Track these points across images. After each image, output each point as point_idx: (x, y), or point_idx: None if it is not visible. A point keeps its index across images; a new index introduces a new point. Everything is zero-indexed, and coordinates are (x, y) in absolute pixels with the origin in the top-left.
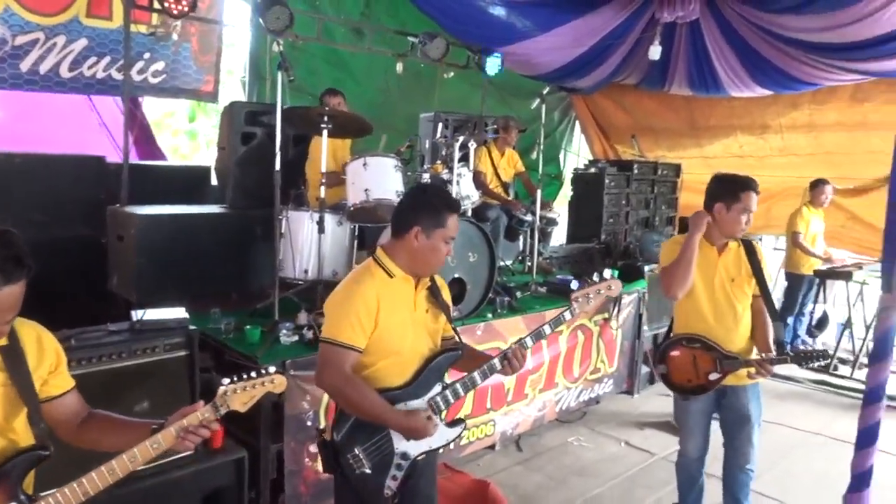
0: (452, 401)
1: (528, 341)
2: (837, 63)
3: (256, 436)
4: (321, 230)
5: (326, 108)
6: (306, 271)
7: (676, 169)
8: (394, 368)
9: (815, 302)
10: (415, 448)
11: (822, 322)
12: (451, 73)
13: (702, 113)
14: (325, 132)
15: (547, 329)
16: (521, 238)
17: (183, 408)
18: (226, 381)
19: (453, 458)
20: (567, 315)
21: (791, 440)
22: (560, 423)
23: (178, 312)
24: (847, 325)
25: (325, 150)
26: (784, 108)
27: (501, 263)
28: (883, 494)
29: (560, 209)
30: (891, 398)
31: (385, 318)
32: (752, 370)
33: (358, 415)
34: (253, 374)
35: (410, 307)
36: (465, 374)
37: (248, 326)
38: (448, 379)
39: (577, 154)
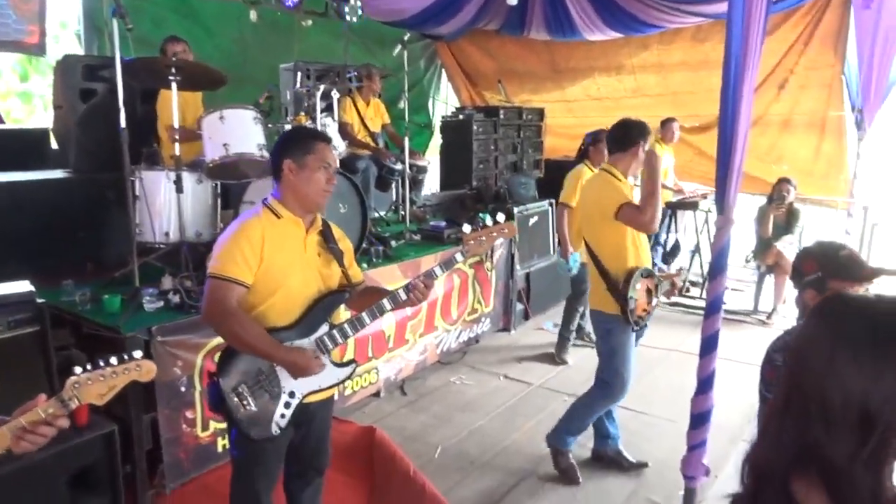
0: (341, 341)
1: (437, 271)
2: (678, 6)
3: (127, 407)
4: (179, 189)
5: (173, 59)
6: (167, 234)
7: (540, 113)
8: (280, 308)
9: (668, 231)
10: (303, 386)
11: (675, 249)
12: (310, 22)
13: (562, 56)
14: (174, 85)
15: (438, 270)
16: (392, 188)
17: (26, 403)
18: (78, 369)
19: (339, 409)
20: (458, 256)
21: (651, 358)
22: (442, 365)
23: (22, 286)
24: (696, 250)
25: (175, 104)
26: (635, 49)
27: (375, 214)
28: (725, 396)
29: (432, 158)
30: (730, 312)
31: (270, 256)
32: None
33: (243, 349)
34: (113, 360)
35: (300, 248)
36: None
37: (106, 296)
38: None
39: (445, 102)
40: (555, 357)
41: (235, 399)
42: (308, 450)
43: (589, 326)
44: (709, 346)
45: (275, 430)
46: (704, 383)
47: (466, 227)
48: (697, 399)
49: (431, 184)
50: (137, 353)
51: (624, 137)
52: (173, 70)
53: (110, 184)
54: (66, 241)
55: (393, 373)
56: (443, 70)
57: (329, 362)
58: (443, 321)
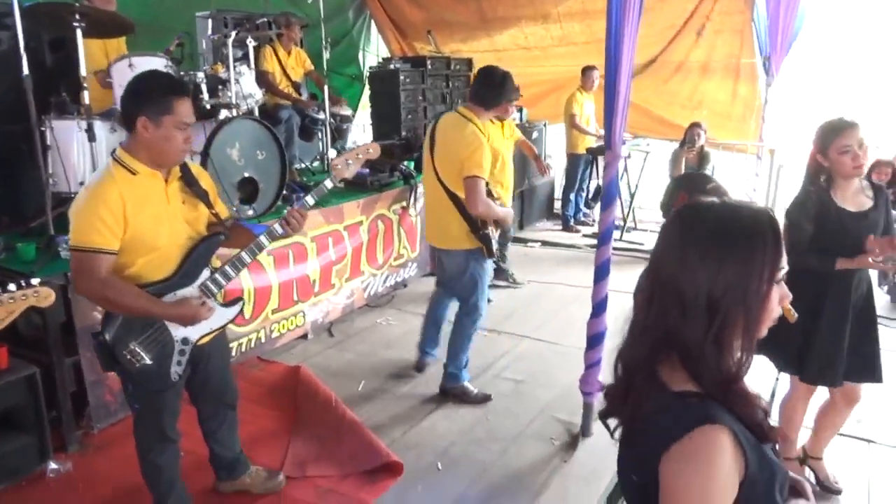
0: (224, 283)
1: (309, 200)
2: None
3: (48, 352)
4: (91, 138)
5: (77, 4)
6: (82, 183)
7: (469, 63)
8: (155, 264)
9: (590, 177)
10: (195, 332)
11: (597, 194)
12: None
13: (489, 5)
14: (78, 31)
15: (310, 199)
16: (318, 138)
17: None
18: None
19: (266, 351)
20: (328, 183)
21: (568, 296)
22: (370, 308)
23: None
24: (617, 194)
25: (81, 52)
26: None
27: (301, 165)
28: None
29: (365, 110)
30: (648, 252)
31: (134, 216)
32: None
33: (124, 313)
34: (11, 286)
35: (163, 201)
36: (237, 252)
37: (20, 244)
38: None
39: (376, 54)
40: None
41: (129, 357)
42: (213, 388)
43: (510, 267)
44: (601, 273)
45: (174, 377)
46: (598, 307)
47: (332, 153)
48: (592, 322)
49: (367, 135)
50: (35, 280)
51: (494, 97)
52: (77, 16)
53: (22, 136)
54: None
55: (320, 316)
56: (372, 21)
57: (216, 305)
58: (369, 266)
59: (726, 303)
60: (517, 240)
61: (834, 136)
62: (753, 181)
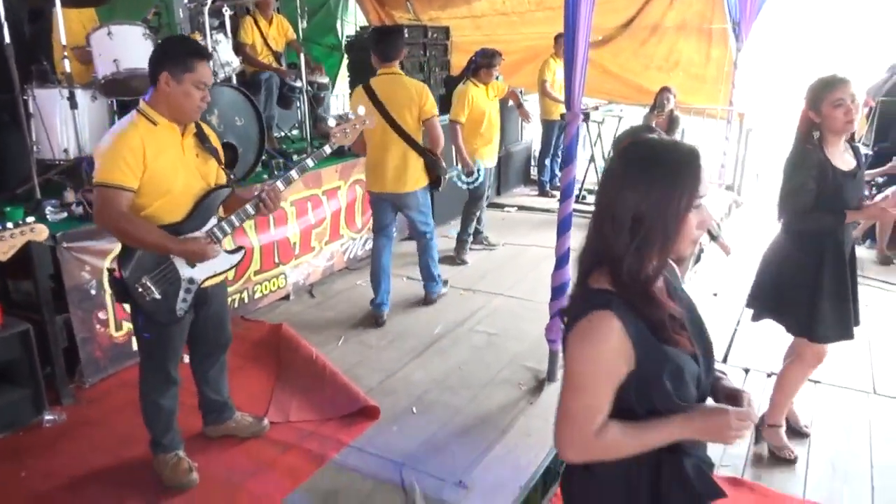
0: (229, 230)
1: (280, 184)
2: None
3: (39, 311)
4: (73, 106)
5: None
6: (66, 150)
7: (446, 31)
8: (169, 207)
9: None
10: (200, 272)
11: None
12: None
13: None
14: (57, 2)
15: (309, 162)
16: (296, 105)
17: None
18: None
19: (250, 311)
20: (327, 149)
21: (540, 256)
22: (350, 270)
23: None
24: (591, 159)
25: (60, 21)
26: None
27: (280, 133)
28: None
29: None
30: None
31: (153, 161)
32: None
33: (140, 247)
34: (9, 224)
35: (179, 151)
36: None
37: (8, 208)
38: None
39: (355, 24)
40: (455, 258)
41: (140, 290)
42: (211, 329)
43: (486, 230)
44: (564, 227)
45: (179, 313)
46: (561, 259)
47: (331, 121)
48: (556, 274)
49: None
50: (30, 219)
51: (395, 49)
52: None
53: (6, 105)
54: None
55: (301, 277)
56: None
57: (221, 250)
58: (348, 230)
59: (649, 221)
60: (494, 205)
61: (827, 90)
62: (724, 144)
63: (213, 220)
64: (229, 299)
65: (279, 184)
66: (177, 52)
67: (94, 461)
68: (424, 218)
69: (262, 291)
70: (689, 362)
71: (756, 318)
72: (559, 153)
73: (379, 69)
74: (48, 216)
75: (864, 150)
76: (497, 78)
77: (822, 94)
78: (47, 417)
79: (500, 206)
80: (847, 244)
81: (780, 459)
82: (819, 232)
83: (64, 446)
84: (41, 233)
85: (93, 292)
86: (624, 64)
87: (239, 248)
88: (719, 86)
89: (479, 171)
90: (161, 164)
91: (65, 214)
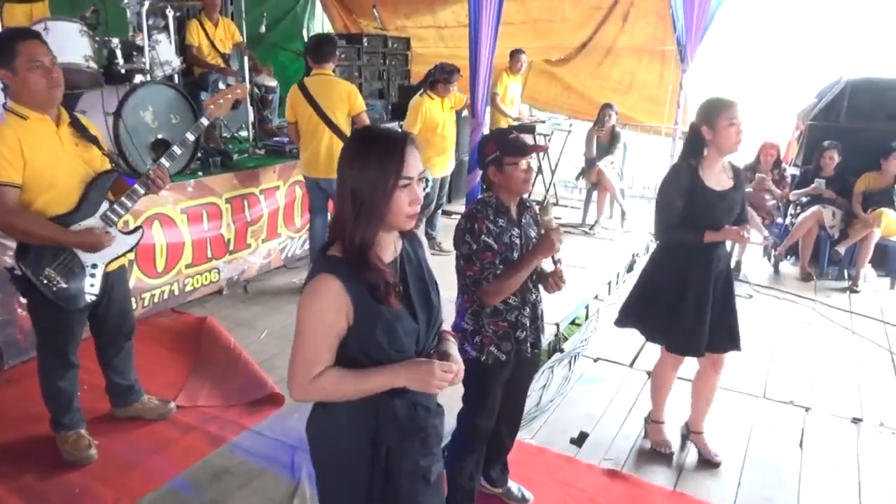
0: (122, 212)
1: (164, 161)
2: None
3: None
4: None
5: None
6: None
7: (407, 42)
8: (57, 199)
9: None
10: (101, 257)
11: None
12: None
13: None
14: None
15: (189, 136)
16: (244, 107)
17: None
18: None
19: (180, 304)
20: (204, 121)
21: None
22: (288, 269)
23: None
24: (539, 171)
25: (2, 16)
26: None
27: (227, 134)
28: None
29: None
30: (562, 225)
31: (32, 156)
32: None
33: (33, 241)
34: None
35: (57, 142)
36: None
37: None
38: None
39: (322, 30)
40: None
41: (46, 282)
42: (113, 317)
43: (439, 236)
44: None
45: (89, 299)
46: None
47: (204, 95)
48: None
49: None
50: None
51: (328, 52)
52: None
53: None
54: None
55: (236, 273)
56: None
57: (118, 233)
58: (286, 229)
59: (363, 196)
60: (446, 212)
61: (724, 108)
62: (669, 161)
63: (105, 205)
64: (159, 291)
65: (163, 160)
66: (2, 43)
67: (1, 438)
68: None
69: (193, 285)
70: (408, 320)
71: (619, 324)
72: None
73: (313, 70)
74: None
75: (792, 171)
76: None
77: (718, 112)
78: None
79: (450, 214)
80: (717, 263)
81: (658, 454)
82: (683, 246)
83: None
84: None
85: (18, 274)
86: (584, 83)
87: (137, 229)
88: (672, 106)
89: (428, 181)
90: (41, 157)
91: None
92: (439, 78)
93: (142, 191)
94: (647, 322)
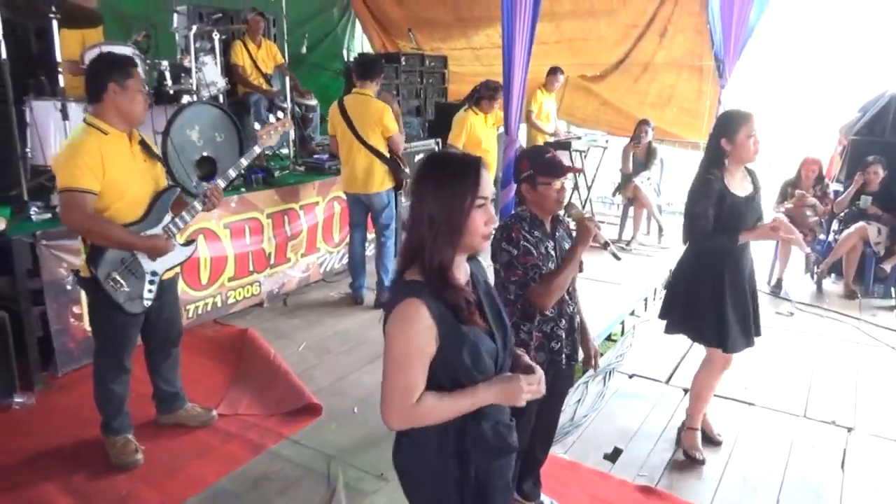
0: (182, 225)
1: (220, 181)
2: None
3: (17, 301)
4: (65, 117)
5: None
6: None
7: (444, 61)
8: (127, 208)
9: None
10: (161, 265)
11: None
12: None
13: (466, 5)
14: (54, 22)
15: (243, 161)
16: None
17: None
18: None
19: (223, 315)
20: (257, 148)
21: None
22: (326, 283)
23: None
24: (575, 187)
25: (56, 40)
26: None
27: (269, 151)
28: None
29: None
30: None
31: (109, 167)
32: None
33: (106, 244)
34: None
35: (130, 157)
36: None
37: None
38: None
39: (360, 51)
40: None
41: (111, 284)
42: (163, 323)
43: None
44: None
45: (146, 303)
46: None
47: (257, 125)
48: None
49: None
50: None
51: (373, 72)
52: (52, 8)
53: (5, 115)
54: None
55: (276, 286)
56: (356, 19)
57: (178, 243)
58: (325, 244)
59: (440, 219)
60: None
61: (743, 122)
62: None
63: (168, 217)
64: (203, 303)
65: (219, 181)
66: (118, 64)
67: (53, 440)
68: (385, 217)
69: (235, 297)
70: (486, 340)
71: (669, 330)
72: None
73: (355, 88)
74: (32, 216)
75: (835, 187)
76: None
77: (738, 125)
78: (17, 400)
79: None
80: (745, 264)
81: (693, 463)
82: (718, 250)
83: (29, 426)
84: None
85: (68, 287)
86: (621, 99)
87: (191, 242)
88: (712, 120)
89: None
90: (117, 168)
91: (48, 215)
92: (484, 95)
93: (199, 207)
94: (696, 328)
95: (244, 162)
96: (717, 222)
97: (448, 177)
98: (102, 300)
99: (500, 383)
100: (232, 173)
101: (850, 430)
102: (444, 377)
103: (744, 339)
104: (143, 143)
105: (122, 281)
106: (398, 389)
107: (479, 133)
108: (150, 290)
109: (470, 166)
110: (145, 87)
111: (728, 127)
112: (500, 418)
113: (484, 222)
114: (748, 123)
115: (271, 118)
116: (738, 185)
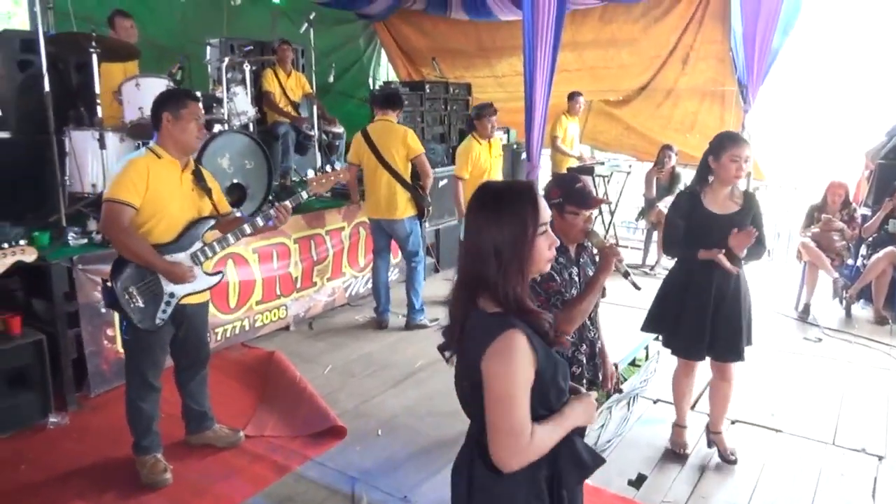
0: (210, 254)
1: (289, 203)
2: None
3: (53, 324)
4: (102, 146)
5: (94, 34)
6: (94, 185)
7: (468, 88)
8: (162, 228)
9: None
10: (181, 289)
11: None
12: (239, 1)
13: (488, 35)
14: (94, 56)
15: (289, 204)
16: (313, 152)
17: None
18: None
19: (250, 338)
20: (303, 194)
21: None
22: (351, 307)
23: None
24: (599, 212)
25: (96, 73)
26: None
27: (297, 178)
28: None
29: None
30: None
31: (154, 185)
32: None
33: (132, 258)
34: (4, 245)
35: (177, 182)
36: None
37: (36, 233)
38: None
39: (386, 79)
40: None
41: (126, 297)
42: (191, 345)
43: None
44: None
45: (158, 322)
46: None
47: (310, 172)
48: None
49: None
50: (22, 241)
51: (395, 102)
52: (93, 43)
53: (47, 144)
54: (7, 195)
55: (302, 310)
56: (382, 49)
57: (201, 272)
58: (350, 268)
59: (506, 250)
60: None
61: (731, 144)
62: None
63: (198, 245)
64: (231, 326)
65: (288, 203)
66: (173, 97)
67: (86, 459)
68: (411, 245)
69: (262, 321)
70: (564, 363)
71: (643, 328)
72: None
73: (377, 116)
74: (70, 241)
75: (864, 211)
76: (507, 131)
77: (724, 147)
78: (52, 420)
79: None
80: (712, 280)
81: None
82: (687, 260)
83: (62, 445)
84: (31, 254)
85: (103, 310)
86: (644, 123)
87: (218, 272)
88: None
89: None
90: (160, 188)
91: (85, 241)
92: (474, 117)
93: (232, 240)
94: (661, 326)
95: (290, 205)
96: (687, 234)
97: (506, 207)
98: (115, 309)
99: (580, 403)
100: (289, 205)
101: (881, 458)
102: (538, 404)
103: (690, 349)
104: (196, 174)
105: (138, 297)
106: (515, 428)
107: (483, 164)
108: (164, 311)
109: (526, 194)
110: (202, 118)
111: (716, 146)
112: (581, 433)
113: (548, 247)
114: (735, 147)
115: (327, 167)
116: (719, 203)
